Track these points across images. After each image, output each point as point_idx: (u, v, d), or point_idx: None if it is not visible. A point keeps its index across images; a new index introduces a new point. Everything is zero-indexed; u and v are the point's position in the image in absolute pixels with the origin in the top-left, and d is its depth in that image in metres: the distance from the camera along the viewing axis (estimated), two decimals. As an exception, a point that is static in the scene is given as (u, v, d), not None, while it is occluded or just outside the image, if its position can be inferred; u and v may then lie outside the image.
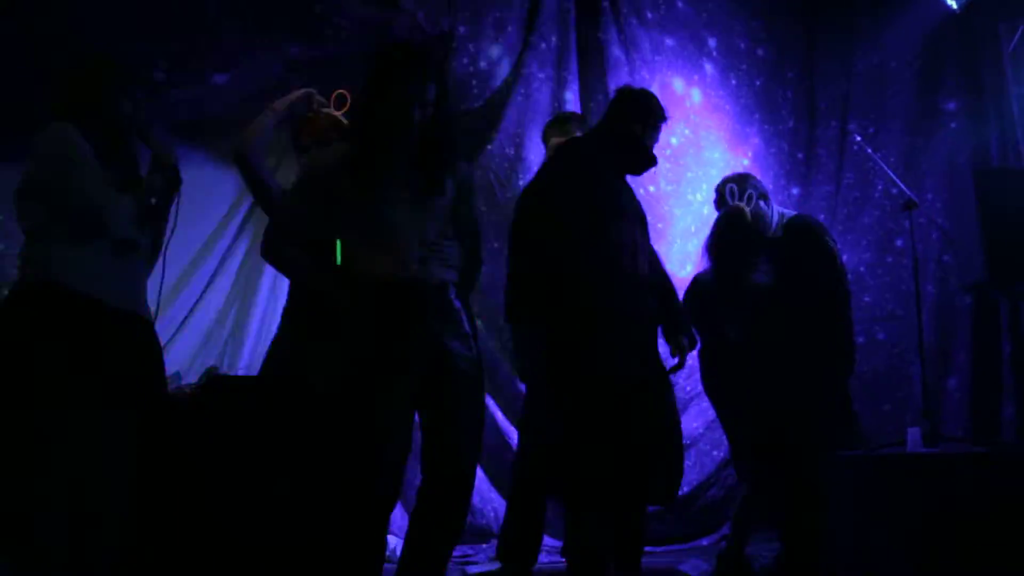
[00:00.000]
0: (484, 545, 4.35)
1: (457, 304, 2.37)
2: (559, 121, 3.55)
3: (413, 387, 2.25)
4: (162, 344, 2.94)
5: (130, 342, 2.43)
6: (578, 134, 3.30)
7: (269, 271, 4.42)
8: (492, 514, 4.30)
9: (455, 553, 4.17)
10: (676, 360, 2.93)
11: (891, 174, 4.37)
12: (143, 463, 2.43)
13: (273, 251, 2.48)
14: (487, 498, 4.35)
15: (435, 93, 2.29)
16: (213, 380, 3.20)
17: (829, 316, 3.37)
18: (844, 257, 5.15)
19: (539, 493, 3.17)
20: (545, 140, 3.56)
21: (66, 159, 2.35)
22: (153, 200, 2.54)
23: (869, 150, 4.52)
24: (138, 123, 2.53)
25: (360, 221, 2.29)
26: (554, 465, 2.70)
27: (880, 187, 5.19)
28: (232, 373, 4.05)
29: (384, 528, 2.29)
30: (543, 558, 3.97)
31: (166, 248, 2.57)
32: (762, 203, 3.52)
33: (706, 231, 4.82)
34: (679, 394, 4.37)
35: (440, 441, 2.30)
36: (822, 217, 5.37)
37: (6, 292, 2.67)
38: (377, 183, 2.26)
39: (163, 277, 2.58)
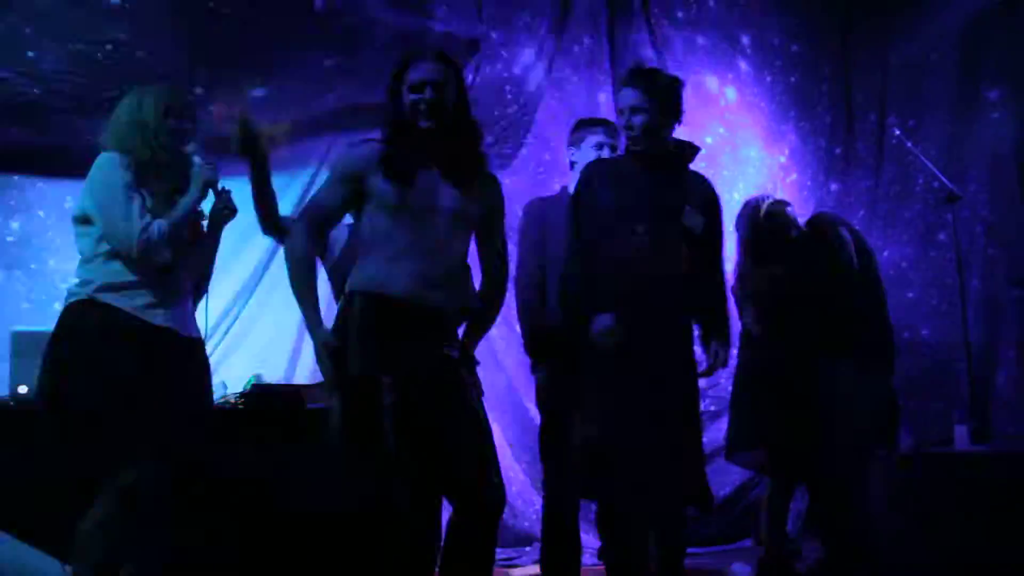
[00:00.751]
0: (527, 548, 4.36)
1: (459, 335, 2.36)
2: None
3: (413, 404, 2.22)
4: (218, 358, 3.02)
5: (171, 360, 2.46)
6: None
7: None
8: (534, 516, 4.31)
9: (497, 556, 4.21)
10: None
11: (932, 167, 4.31)
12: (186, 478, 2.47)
13: (292, 240, 2.38)
14: (528, 501, 4.36)
15: (451, 83, 2.29)
16: (256, 389, 3.25)
17: (842, 309, 3.32)
18: (885, 253, 5.14)
19: (570, 500, 3.18)
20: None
21: (106, 189, 2.43)
22: (203, 223, 2.62)
23: (909, 143, 4.45)
24: (183, 146, 2.55)
25: (380, 225, 2.27)
26: (589, 467, 2.69)
27: (921, 180, 5.11)
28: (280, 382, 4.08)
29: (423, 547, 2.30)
30: (585, 560, 3.98)
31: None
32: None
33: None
34: (720, 393, 4.35)
35: (456, 471, 2.28)
36: (862, 213, 5.32)
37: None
38: (409, 186, 2.25)
39: (207, 293, 2.66)
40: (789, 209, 3.57)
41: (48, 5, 3.45)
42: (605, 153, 3.22)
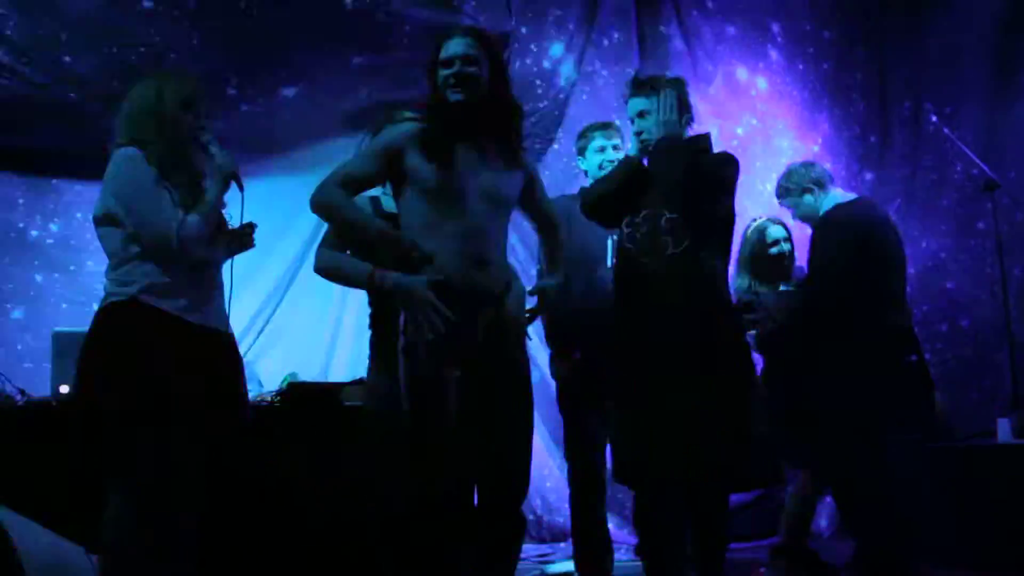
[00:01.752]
0: (562, 544, 4.35)
1: (512, 312, 2.34)
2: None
3: (460, 394, 2.22)
4: (252, 356, 3.02)
5: (212, 360, 2.46)
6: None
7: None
8: (569, 511, 4.29)
9: (532, 552, 4.21)
10: None
11: (970, 154, 4.22)
12: (219, 473, 2.50)
13: (323, 193, 2.28)
14: (563, 496, 4.34)
15: (484, 58, 2.29)
16: (292, 387, 3.26)
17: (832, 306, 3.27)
18: (923, 243, 5.05)
19: (596, 495, 3.18)
20: None
21: (133, 187, 2.38)
22: (227, 216, 2.58)
23: (946, 130, 4.37)
24: (199, 136, 2.49)
25: (422, 207, 2.26)
26: (627, 453, 2.67)
27: (959, 168, 5.01)
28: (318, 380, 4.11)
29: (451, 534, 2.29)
30: (621, 556, 3.97)
31: (232, 265, 2.60)
32: (807, 197, 3.45)
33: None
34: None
35: (487, 451, 2.27)
36: (898, 202, 5.23)
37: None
38: (448, 167, 2.24)
39: (231, 290, 2.58)
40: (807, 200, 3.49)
41: (83, 10, 3.49)
42: (609, 156, 3.23)
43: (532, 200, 2.46)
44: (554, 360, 3.34)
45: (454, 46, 2.28)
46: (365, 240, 2.35)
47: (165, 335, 2.35)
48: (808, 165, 3.47)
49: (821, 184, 3.39)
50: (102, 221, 2.44)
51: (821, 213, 3.40)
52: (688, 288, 2.66)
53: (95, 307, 2.70)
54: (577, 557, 3.27)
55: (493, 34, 2.47)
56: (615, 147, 3.26)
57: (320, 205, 2.29)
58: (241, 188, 2.53)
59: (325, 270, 2.50)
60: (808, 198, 3.42)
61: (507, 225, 2.38)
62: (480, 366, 2.24)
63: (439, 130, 2.27)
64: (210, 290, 2.51)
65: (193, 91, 2.49)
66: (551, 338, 3.35)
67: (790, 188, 3.44)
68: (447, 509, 2.20)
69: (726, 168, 2.82)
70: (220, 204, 2.51)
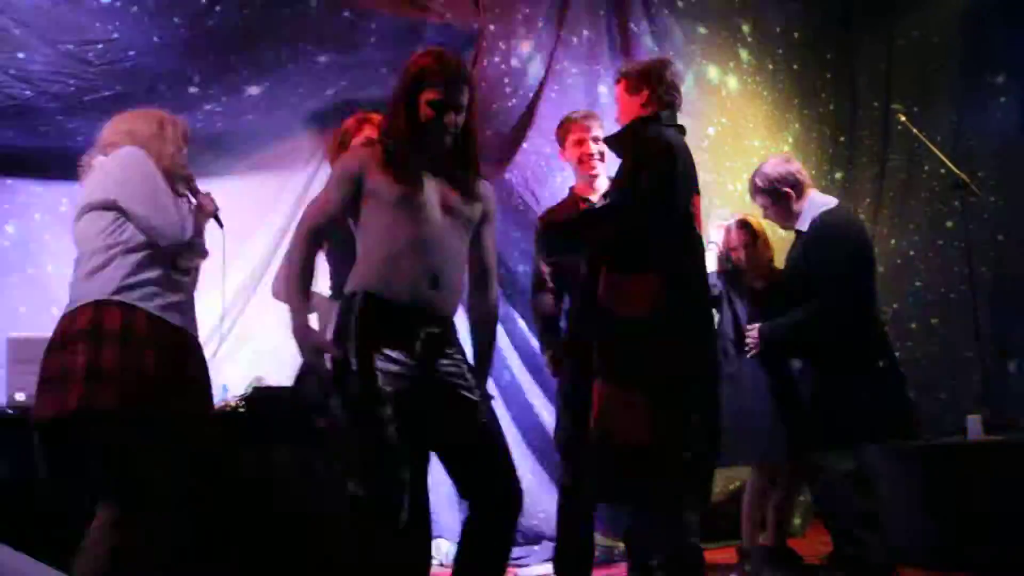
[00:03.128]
0: (536, 547, 4.31)
1: (455, 338, 2.31)
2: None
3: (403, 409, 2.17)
4: (218, 360, 2.99)
5: (187, 362, 2.46)
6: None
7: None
8: (542, 515, 4.26)
9: (506, 556, 4.16)
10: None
11: (939, 153, 4.24)
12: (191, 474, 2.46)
13: (292, 250, 2.30)
14: (537, 499, 4.31)
15: (467, 98, 2.27)
16: (256, 391, 3.20)
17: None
18: (891, 241, 5.08)
19: (589, 501, 3.12)
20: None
21: (146, 180, 2.41)
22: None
23: (915, 130, 4.38)
24: (185, 171, 2.59)
25: (382, 223, 2.22)
26: (619, 470, 2.61)
27: (927, 167, 5.05)
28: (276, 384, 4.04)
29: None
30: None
31: (225, 265, 2.71)
32: (780, 198, 3.37)
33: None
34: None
35: (470, 471, 2.24)
36: (867, 202, 5.26)
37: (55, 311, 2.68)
38: (410, 183, 2.21)
39: (224, 295, 2.63)
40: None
41: (36, 5, 3.38)
42: (587, 148, 3.20)
43: (479, 239, 2.38)
44: (555, 372, 3.27)
45: (456, 94, 2.23)
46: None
47: (151, 337, 2.33)
48: (783, 164, 3.37)
49: (796, 185, 3.29)
50: (96, 207, 2.41)
51: (797, 216, 3.32)
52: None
53: (55, 311, 2.62)
54: (560, 559, 3.20)
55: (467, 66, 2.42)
56: (595, 139, 3.21)
57: (285, 261, 2.35)
58: (221, 226, 2.65)
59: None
60: (782, 199, 3.34)
61: (466, 248, 2.32)
62: (420, 381, 2.19)
63: (405, 152, 2.23)
64: (189, 295, 2.53)
65: (187, 130, 2.64)
66: (545, 347, 3.29)
67: (761, 187, 3.35)
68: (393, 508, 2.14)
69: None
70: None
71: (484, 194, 2.36)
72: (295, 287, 2.22)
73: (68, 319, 2.36)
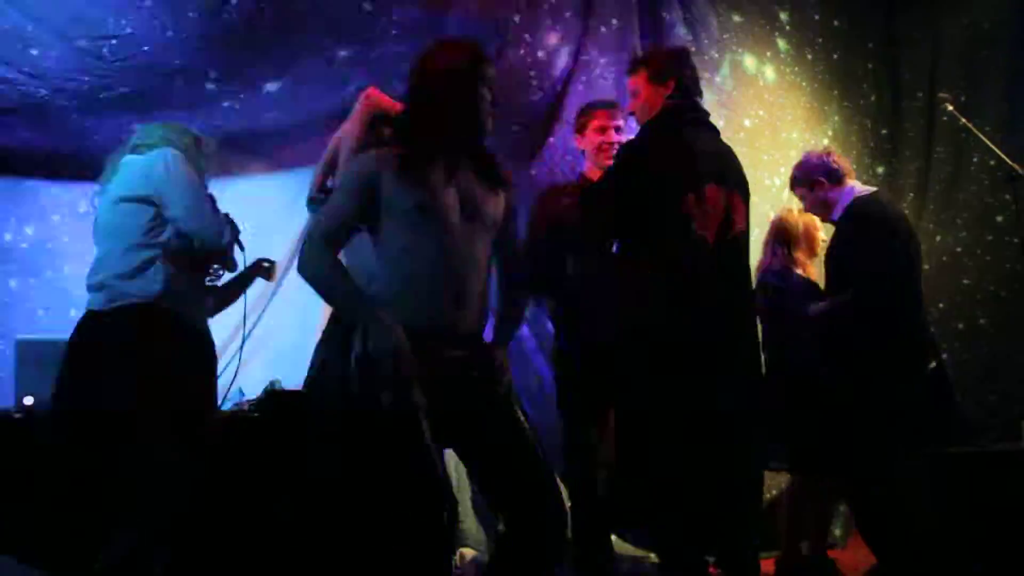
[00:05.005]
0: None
1: (486, 351, 2.14)
2: None
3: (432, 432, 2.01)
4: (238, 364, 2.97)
5: (212, 367, 2.52)
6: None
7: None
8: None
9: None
10: None
11: (989, 144, 4.03)
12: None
13: (311, 265, 2.09)
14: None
15: (493, 98, 2.15)
16: (270, 395, 3.11)
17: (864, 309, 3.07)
18: (937, 238, 4.87)
19: (600, 510, 2.99)
20: None
21: (191, 183, 2.42)
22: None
23: (963, 119, 4.17)
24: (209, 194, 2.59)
25: (400, 238, 2.06)
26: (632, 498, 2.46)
27: (976, 159, 4.84)
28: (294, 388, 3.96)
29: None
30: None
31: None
32: (816, 188, 3.27)
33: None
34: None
35: (513, 494, 2.07)
36: (911, 196, 5.05)
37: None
38: (430, 190, 2.06)
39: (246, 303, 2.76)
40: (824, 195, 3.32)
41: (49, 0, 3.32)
42: (609, 137, 3.10)
43: (505, 236, 2.23)
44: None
45: (491, 71, 2.15)
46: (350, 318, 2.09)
47: (189, 343, 2.37)
48: (818, 153, 3.33)
49: (834, 176, 3.22)
50: (133, 200, 2.41)
51: (833, 206, 3.23)
52: None
53: (73, 313, 2.56)
54: (582, 568, 3.09)
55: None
56: (617, 129, 3.10)
57: (310, 278, 2.06)
58: (243, 249, 2.67)
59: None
60: (816, 189, 3.28)
61: (490, 254, 2.17)
62: (452, 401, 2.05)
63: (429, 158, 2.08)
64: (206, 299, 2.57)
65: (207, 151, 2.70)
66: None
67: (797, 176, 3.31)
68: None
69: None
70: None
71: (506, 191, 2.21)
72: (334, 284, 2.04)
73: (109, 317, 2.31)
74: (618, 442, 2.54)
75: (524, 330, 4.11)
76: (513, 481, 2.07)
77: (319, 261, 2.05)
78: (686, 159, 2.53)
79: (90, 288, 2.42)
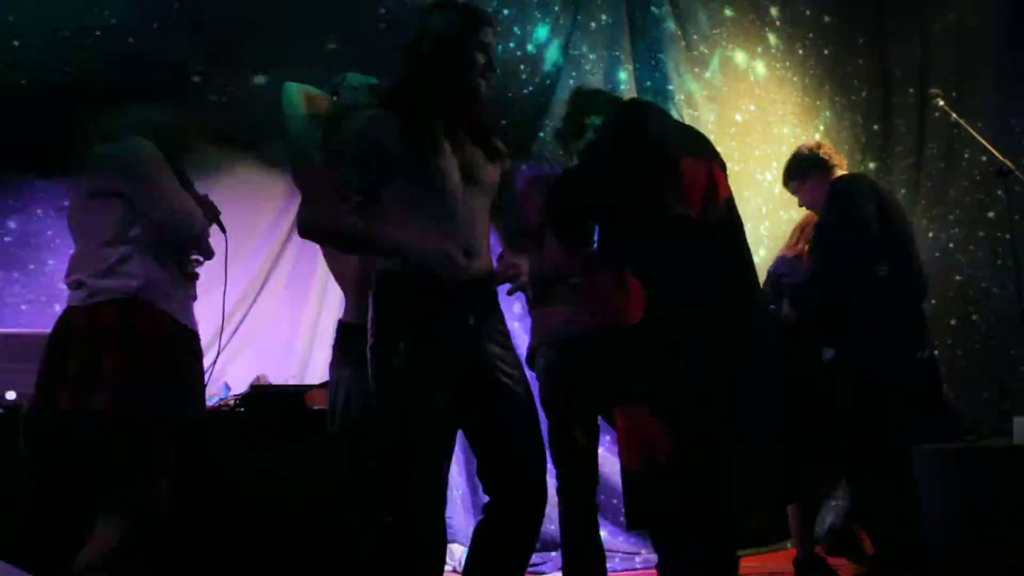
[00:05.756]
0: (553, 553, 4.14)
1: (496, 300, 2.16)
2: None
3: (450, 398, 2.03)
4: (217, 356, 2.92)
5: (196, 361, 2.45)
6: None
7: (318, 277, 4.28)
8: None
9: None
10: None
11: (981, 139, 4.01)
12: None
13: (312, 216, 2.08)
14: (554, 503, 4.13)
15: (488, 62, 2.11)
16: (256, 390, 3.07)
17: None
18: (929, 234, 4.85)
19: (589, 505, 2.95)
20: None
21: (162, 173, 2.35)
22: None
23: (954, 115, 4.16)
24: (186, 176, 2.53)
25: (404, 196, 2.04)
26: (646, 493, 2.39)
27: (967, 155, 4.83)
28: (282, 382, 3.92)
29: (430, 543, 2.08)
30: (616, 564, 3.77)
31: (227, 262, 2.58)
32: (809, 181, 3.28)
33: (778, 212, 4.58)
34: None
35: (499, 459, 2.08)
36: (903, 192, 5.03)
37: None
38: (431, 151, 2.04)
39: (225, 290, 2.64)
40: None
41: (31, -10, 3.29)
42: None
43: (506, 199, 2.27)
44: (530, 362, 3.09)
45: (488, 35, 2.10)
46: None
47: (171, 338, 2.32)
48: (808, 146, 3.30)
49: (824, 167, 3.20)
50: (98, 196, 2.34)
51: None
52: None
53: (57, 307, 2.53)
54: (569, 568, 3.05)
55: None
56: None
57: (318, 235, 2.14)
58: (223, 231, 2.57)
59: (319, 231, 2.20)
60: (807, 181, 3.25)
61: (489, 217, 2.16)
62: (467, 364, 2.05)
63: (431, 122, 2.05)
64: (191, 293, 2.49)
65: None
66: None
67: (791, 171, 3.28)
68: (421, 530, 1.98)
69: None
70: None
71: (503, 151, 2.20)
72: (358, 235, 2.04)
73: (88, 313, 2.28)
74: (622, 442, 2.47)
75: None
76: (506, 459, 2.07)
77: (320, 214, 2.05)
78: (654, 139, 2.45)
79: (69, 286, 2.39)
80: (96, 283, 2.30)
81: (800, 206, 3.48)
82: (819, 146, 3.33)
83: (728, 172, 2.52)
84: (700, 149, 2.48)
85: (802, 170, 3.28)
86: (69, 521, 2.41)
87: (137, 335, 2.25)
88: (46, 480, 2.52)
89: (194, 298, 2.51)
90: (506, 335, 2.15)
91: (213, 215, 2.54)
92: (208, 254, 2.55)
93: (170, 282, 2.36)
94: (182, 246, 2.42)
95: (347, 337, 2.43)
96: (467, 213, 2.06)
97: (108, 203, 2.34)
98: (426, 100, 2.06)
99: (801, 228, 3.59)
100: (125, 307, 2.27)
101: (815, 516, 3.54)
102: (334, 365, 2.45)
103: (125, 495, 2.23)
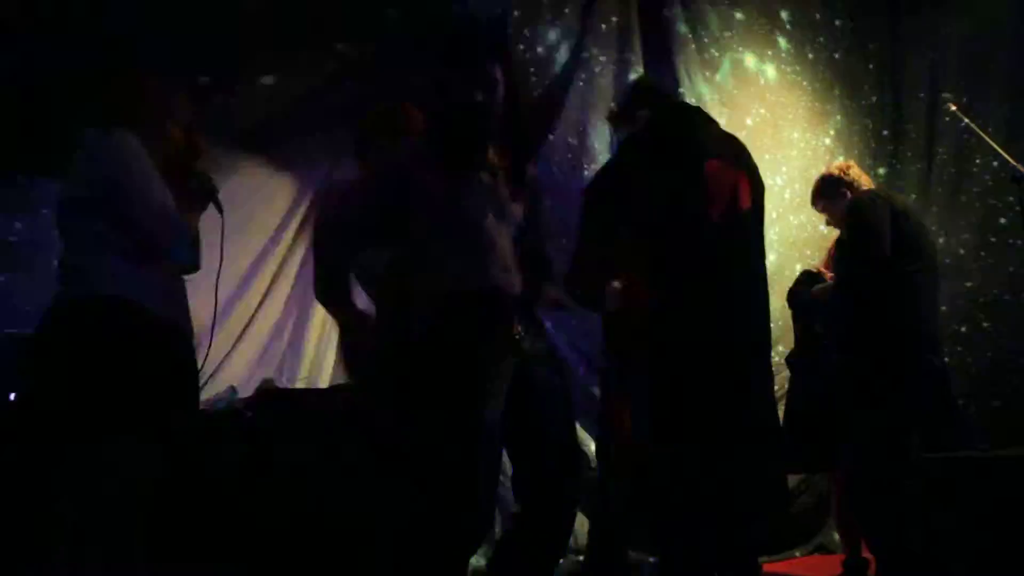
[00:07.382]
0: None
1: (538, 314, 2.18)
2: None
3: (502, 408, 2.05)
4: (220, 358, 2.89)
5: (180, 356, 2.36)
6: None
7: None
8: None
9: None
10: None
11: (992, 144, 3.98)
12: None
13: (323, 287, 2.23)
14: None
15: (501, 72, 2.13)
16: (265, 394, 3.05)
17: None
18: (940, 240, 4.82)
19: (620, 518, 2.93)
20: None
21: (138, 171, 2.25)
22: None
23: (965, 120, 4.13)
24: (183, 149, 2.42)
25: (439, 223, 2.06)
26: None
27: (979, 161, 4.79)
28: (291, 386, 3.90)
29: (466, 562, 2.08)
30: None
31: (221, 263, 2.48)
32: (839, 200, 3.33)
33: (788, 216, 4.56)
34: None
35: (534, 466, 2.12)
36: (913, 198, 5.00)
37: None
38: (463, 177, 2.07)
39: (217, 291, 2.51)
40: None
41: (43, -6, 3.27)
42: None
43: (531, 231, 2.29)
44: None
45: (488, 65, 2.18)
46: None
47: (154, 338, 2.24)
48: (837, 167, 3.33)
49: (853, 188, 3.24)
50: (81, 204, 2.26)
51: None
52: None
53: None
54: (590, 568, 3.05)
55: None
56: None
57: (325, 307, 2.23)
58: (220, 211, 2.45)
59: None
60: (839, 201, 3.28)
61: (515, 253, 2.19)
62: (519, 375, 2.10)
63: (457, 148, 2.10)
64: (182, 291, 2.40)
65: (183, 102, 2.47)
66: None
67: (821, 191, 3.31)
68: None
69: None
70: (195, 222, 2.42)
71: (528, 187, 2.25)
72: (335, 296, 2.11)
73: (70, 313, 2.23)
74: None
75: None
76: (535, 470, 2.11)
77: (328, 288, 2.19)
78: (684, 138, 2.43)
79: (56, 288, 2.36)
80: (80, 286, 2.25)
81: (827, 224, 3.52)
82: (848, 167, 3.36)
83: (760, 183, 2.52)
84: (730, 153, 2.47)
85: (829, 191, 3.29)
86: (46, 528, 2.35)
87: (121, 337, 2.20)
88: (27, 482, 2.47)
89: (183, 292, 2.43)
90: (548, 346, 2.23)
91: (211, 192, 2.44)
92: (196, 262, 2.44)
93: (158, 283, 2.30)
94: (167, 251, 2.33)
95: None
96: (496, 243, 2.09)
97: (87, 207, 2.26)
98: (456, 126, 2.10)
99: (837, 240, 3.60)
100: (110, 309, 2.21)
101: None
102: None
103: (109, 499, 2.16)
